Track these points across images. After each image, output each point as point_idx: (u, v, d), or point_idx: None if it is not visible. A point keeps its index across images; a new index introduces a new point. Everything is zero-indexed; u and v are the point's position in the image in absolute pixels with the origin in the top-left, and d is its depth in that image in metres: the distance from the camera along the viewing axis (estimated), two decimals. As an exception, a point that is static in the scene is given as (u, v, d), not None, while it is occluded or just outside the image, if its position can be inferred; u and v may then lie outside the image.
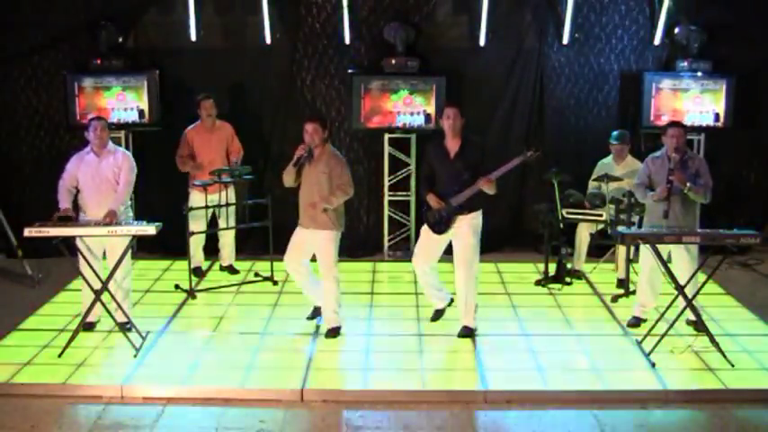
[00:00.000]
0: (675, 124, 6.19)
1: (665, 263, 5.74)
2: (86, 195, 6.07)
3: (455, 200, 5.94)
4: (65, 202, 6.00)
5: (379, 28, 8.18)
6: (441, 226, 6.04)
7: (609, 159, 7.46)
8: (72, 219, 5.89)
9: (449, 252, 6.19)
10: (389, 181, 8.43)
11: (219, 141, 7.48)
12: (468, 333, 6.08)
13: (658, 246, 5.68)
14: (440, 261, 6.28)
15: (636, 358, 5.69)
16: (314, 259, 6.13)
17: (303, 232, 6.08)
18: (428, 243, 6.15)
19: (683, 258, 5.99)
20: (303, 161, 5.90)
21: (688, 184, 5.87)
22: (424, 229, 6.16)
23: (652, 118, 8.19)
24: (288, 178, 6.02)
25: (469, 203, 5.95)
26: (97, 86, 8.10)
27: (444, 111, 6.05)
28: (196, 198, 7.25)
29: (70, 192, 6.06)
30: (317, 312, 6.36)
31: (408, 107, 8.16)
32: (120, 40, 8.11)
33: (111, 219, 5.84)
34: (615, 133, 7.47)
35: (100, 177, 6.05)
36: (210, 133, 7.46)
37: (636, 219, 7.15)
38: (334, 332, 6.10)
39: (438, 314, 6.40)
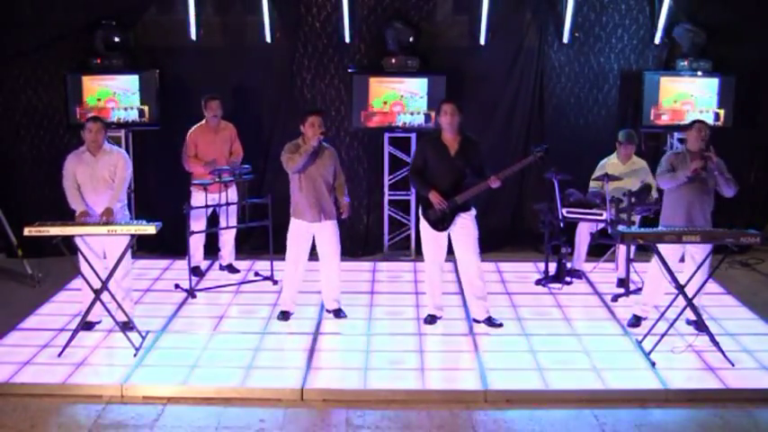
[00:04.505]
0: (700, 121, 6.22)
1: (665, 262, 5.71)
2: (83, 194, 6.06)
3: (460, 197, 5.96)
4: (81, 204, 6.01)
5: (379, 27, 8.18)
6: (443, 223, 6.06)
7: (614, 158, 7.42)
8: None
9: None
10: (389, 180, 8.43)
11: (224, 141, 7.48)
12: (498, 323, 6.25)
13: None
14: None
15: (636, 358, 5.69)
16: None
17: (310, 227, 6.26)
18: (435, 243, 6.18)
19: (694, 264, 5.94)
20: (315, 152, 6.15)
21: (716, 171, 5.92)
22: (426, 230, 6.17)
23: (652, 117, 8.19)
24: (299, 164, 6.12)
25: (469, 201, 6.02)
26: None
27: (442, 107, 6.06)
28: (197, 197, 7.24)
29: (78, 190, 6.06)
30: (287, 316, 6.49)
31: (408, 106, 8.16)
32: (120, 39, 8.09)
33: (108, 216, 5.85)
34: (623, 132, 7.43)
35: (97, 177, 6.04)
36: (215, 133, 7.45)
37: (636, 219, 7.15)
38: (343, 312, 6.49)
39: (434, 319, 6.38)
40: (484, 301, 6.30)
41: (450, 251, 6.30)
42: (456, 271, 7.51)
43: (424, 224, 6.17)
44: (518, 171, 6.12)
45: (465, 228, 6.09)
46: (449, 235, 6.17)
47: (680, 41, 8.18)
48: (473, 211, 6.15)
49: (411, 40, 8.09)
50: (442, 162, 6.03)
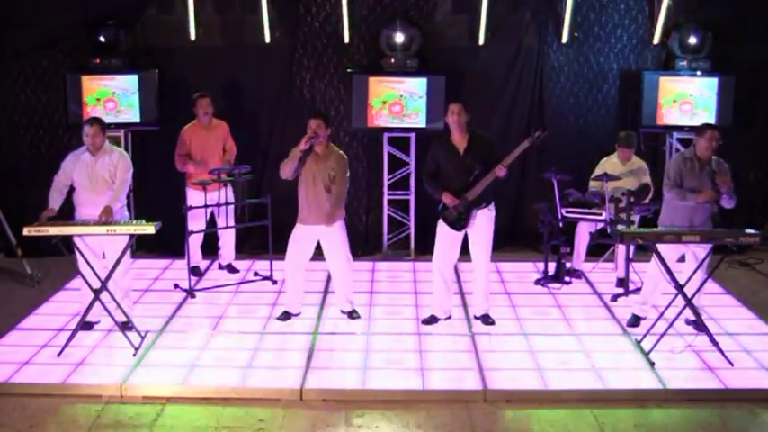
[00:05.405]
0: (713, 128, 6.06)
1: (664, 262, 5.71)
2: (81, 194, 6.07)
3: (471, 194, 5.97)
4: (54, 203, 5.98)
5: (379, 27, 8.18)
6: (461, 222, 6.07)
7: (614, 158, 7.41)
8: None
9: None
10: (389, 180, 8.42)
11: (216, 139, 7.48)
12: (491, 321, 6.26)
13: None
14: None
15: (635, 357, 5.69)
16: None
17: (314, 229, 6.22)
18: (447, 242, 6.18)
19: (694, 265, 5.92)
20: (307, 154, 6.06)
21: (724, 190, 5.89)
22: (441, 230, 6.18)
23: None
24: (288, 170, 6.09)
25: (485, 195, 6.03)
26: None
27: (449, 107, 6.10)
28: (195, 197, 7.24)
29: (61, 192, 6.04)
30: (288, 317, 6.45)
31: (407, 106, 8.15)
32: (120, 39, 8.08)
33: (106, 216, 5.84)
34: (622, 134, 7.40)
35: (95, 177, 6.03)
36: (207, 131, 7.45)
37: (635, 219, 7.14)
38: (356, 313, 6.48)
39: (434, 320, 6.38)
40: (484, 302, 6.34)
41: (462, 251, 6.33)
42: (456, 271, 7.53)
43: (441, 224, 6.18)
44: (520, 155, 6.06)
45: (481, 227, 6.10)
46: (465, 235, 6.19)
47: (679, 41, 8.17)
48: (492, 211, 6.14)
49: (410, 39, 8.09)
50: (452, 162, 6.05)
